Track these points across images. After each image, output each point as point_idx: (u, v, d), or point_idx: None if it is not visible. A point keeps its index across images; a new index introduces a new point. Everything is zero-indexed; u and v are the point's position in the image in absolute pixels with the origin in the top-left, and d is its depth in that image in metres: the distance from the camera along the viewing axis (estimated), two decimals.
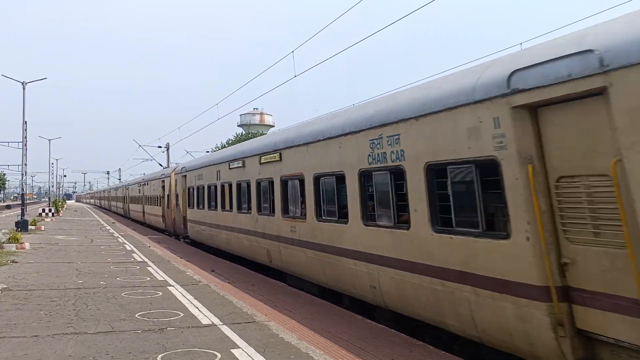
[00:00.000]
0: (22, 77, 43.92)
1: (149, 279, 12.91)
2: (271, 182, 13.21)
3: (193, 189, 22.40)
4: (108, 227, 33.78)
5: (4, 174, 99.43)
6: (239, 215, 15.92)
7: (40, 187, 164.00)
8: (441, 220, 7.06)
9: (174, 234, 27.82)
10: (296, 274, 12.08)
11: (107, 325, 8.10)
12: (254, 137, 48.53)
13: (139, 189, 41.26)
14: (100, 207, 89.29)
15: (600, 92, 4.91)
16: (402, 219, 7.93)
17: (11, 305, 9.47)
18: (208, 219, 19.72)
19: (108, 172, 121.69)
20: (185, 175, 24.21)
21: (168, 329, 7.96)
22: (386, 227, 8.26)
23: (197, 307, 9.52)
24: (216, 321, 8.49)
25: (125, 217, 51.32)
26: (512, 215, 5.86)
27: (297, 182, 11.69)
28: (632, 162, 4.65)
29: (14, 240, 19.33)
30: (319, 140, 10.56)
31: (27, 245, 19.48)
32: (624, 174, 4.73)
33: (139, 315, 8.79)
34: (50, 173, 71.82)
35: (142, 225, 38.33)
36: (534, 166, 5.64)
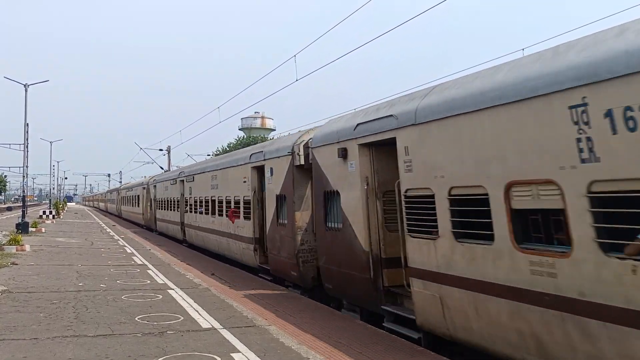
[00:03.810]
0: (25, 79, 44.05)
1: (149, 282, 12.90)
2: None
3: None
4: (108, 230, 33.78)
5: (5, 176, 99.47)
6: None
7: (41, 189, 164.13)
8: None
9: (305, 287, 11.90)
10: None
11: (107, 328, 8.09)
12: (254, 141, 46.99)
13: (176, 186, 25.74)
14: (108, 212, 71.70)
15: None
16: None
17: (11, 308, 9.46)
18: None
19: (109, 175, 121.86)
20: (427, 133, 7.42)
21: (168, 332, 7.94)
22: None
23: (197, 311, 9.50)
24: (216, 325, 8.48)
25: (149, 229, 34.77)
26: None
27: None
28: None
29: (14, 242, 19.34)
30: None
31: (27, 247, 19.49)
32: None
33: (138, 319, 8.77)
34: (52, 175, 71.88)
35: (181, 243, 24.84)
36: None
